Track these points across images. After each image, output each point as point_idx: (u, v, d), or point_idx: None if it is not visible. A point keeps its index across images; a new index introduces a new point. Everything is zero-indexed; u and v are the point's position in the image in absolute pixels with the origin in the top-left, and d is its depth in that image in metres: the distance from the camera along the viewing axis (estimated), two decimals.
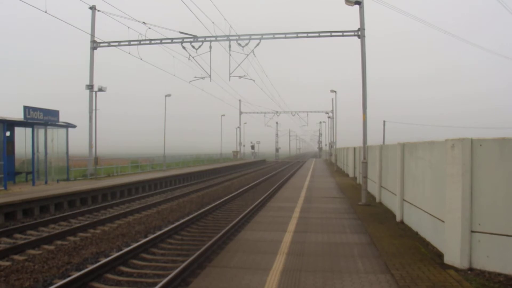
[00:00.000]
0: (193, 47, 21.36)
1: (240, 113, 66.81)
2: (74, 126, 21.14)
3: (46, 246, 9.30)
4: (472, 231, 5.68)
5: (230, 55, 21.59)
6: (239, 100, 65.37)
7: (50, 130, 19.62)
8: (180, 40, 21.41)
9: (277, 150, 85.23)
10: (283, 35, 20.90)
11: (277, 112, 62.08)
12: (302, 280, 5.31)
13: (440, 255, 6.36)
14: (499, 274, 5.34)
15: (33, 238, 9.93)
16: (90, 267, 7.15)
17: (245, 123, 71.32)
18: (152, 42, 21.73)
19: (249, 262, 6.20)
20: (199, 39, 21.31)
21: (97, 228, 11.43)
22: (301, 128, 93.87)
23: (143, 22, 20.15)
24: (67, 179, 20.88)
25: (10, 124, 18.03)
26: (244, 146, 72.67)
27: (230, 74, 22.36)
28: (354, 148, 23.46)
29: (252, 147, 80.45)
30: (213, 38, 21.15)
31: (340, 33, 18.76)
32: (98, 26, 25.24)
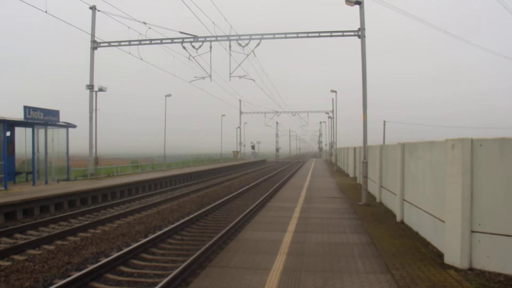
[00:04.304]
0: (193, 47, 21.37)
1: (240, 113, 66.83)
2: (74, 126, 21.15)
3: (46, 246, 9.31)
4: (472, 231, 5.68)
5: (230, 55, 21.61)
6: (239, 100, 65.48)
7: (50, 130, 19.62)
8: (180, 40, 21.41)
9: (277, 150, 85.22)
10: (283, 35, 20.90)
11: (277, 112, 62.15)
12: (302, 280, 5.30)
13: (440, 255, 6.36)
14: (499, 274, 5.34)
15: (33, 238, 9.93)
16: (90, 267, 7.15)
17: (245, 123, 71.40)
18: (153, 42, 21.74)
19: (249, 262, 6.20)
20: (200, 39, 21.31)
21: (97, 228, 11.43)
22: (301, 128, 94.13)
23: (144, 22, 20.17)
24: (67, 179, 20.88)
25: (11, 124, 18.03)
26: (244, 146, 72.73)
27: (230, 74, 22.37)
28: (354, 148, 23.45)
29: (252, 147, 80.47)
30: (214, 38, 21.15)
31: (340, 33, 18.76)
32: (98, 26, 25.27)
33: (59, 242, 9.71)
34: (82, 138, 25.38)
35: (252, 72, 67.65)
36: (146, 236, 10.34)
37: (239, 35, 21.24)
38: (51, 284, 6.67)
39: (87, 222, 11.83)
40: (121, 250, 8.79)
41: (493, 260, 5.45)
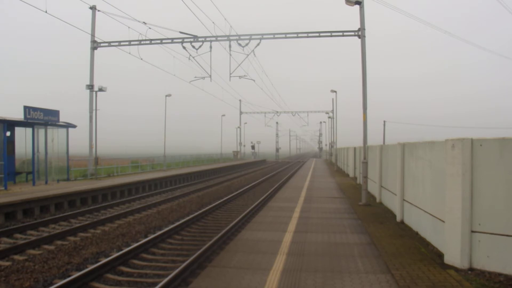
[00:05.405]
0: (193, 47, 21.38)
1: (241, 113, 66.74)
2: (74, 126, 21.15)
3: (46, 246, 9.31)
4: (472, 231, 5.68)
5: (230, 55, 21.62)
6: (239, 100, 65.37)
7: (50, 130, 19.62)
8: (180, 40, 21.42)
9: (277, 150, 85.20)
10: (283, 35, 20.91)
11: (277, 112, 62.09)
12: (302, 280, 5.30)
13: (440, 255, 6.36)
14: (500, 274, 5.34)
15: (33, 238, 9.93)
16: (90, 267, 7.15)
17: (246, 123, 71.35)
18: (153, 42, 21.75)
19: (249, 262, 6.20)
20: (200, 39, 21.32)
21: (97, 228, 11.43)
22: (302, 128, 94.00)
23: (144, 22, 20.19)
24: (68, 179, 20.88)
25: (11, 124, 18.03)
26: (244, 146, 72.65)
27: (230, 74, 22.39)
28: (354, 148, 23.46)
29: (253, 147, 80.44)
30: (214, 38, 21.16)
31: (341, 33, 18.77)
32: (98, 26, 25.28)
33: (59, 242, 9.71)
34: (82, 138, 25.41)
35: (252, 72, 67.68)
36: (146, 236, 10.34)
37: (239, 35, 21.25)
38: (51, 284, 6.67)
39: (87, 222, 11.83)
40: (121, 250, 8.80)
41: (493, 260, 5.45)
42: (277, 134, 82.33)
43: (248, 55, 21.48)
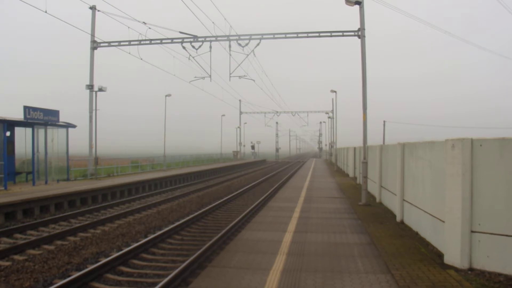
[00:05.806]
0: (193, 47, 21.38)
1: (240, 113, 66.74)
2: (74, 126, 21.15)
3: (46, 246, 9.31)
4: (472, 231, 5.68)
5: (230, 55, 21.63)
6: (239, 100, 65.38)
7: (50, 130, 19.62)
8: (180, 40, 21.43)
9: (277, 150, 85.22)
10: (283, 35, 20.91)
11: (277, 112, 62.10)
12: (302, 280, 5.31)
13: (440, 255, 6.36)
14: (499, 274, 5.34)
15: (33, 238, 9.93)
16: (90, 267, 7.15)
17: (245, 123, 71.35)
18: (152, 42, 21.75)
19: (249, 262, 6.20)
20: (199, 39, 21.33)
21: (97, 228, 11.43)
22: (301, 128, 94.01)
23: (143, 22, 20.19)
24: (67, 179, 20.88)
25: (10, 124, 18.03)
26: (244, 146, 72.65)
27: (230, 74, 22.40)
28: (354, 148, 23.47)
29: (252, 147, 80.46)
30: (213, 38, 21.17)
31: (340, 33, 18.77)
32: (98, 26, 25.29)
33: (59, 242, 9.71)
34: (82, 138, 25.42)
35: (252, 72, 67.71)
36: (146, 236, 10.34)
37: (239, 35, 21.25)
38: (51, 284, 6.68)
39: (87, 222, 11.83)
40: (121, 250, 8.80)
41: (493, 260, 5.46)
42: (277, 134, 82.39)
43: (248, 55, 21.50)
